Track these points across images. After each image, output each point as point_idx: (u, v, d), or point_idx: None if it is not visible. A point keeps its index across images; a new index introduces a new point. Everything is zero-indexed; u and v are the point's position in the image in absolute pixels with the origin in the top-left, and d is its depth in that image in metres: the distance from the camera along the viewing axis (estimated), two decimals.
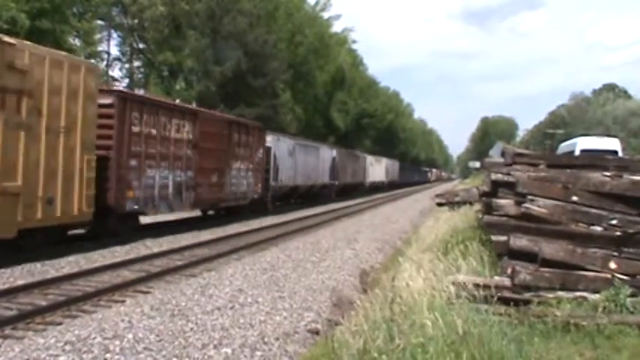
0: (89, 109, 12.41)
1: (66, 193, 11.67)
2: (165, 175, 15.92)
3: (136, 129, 14.43)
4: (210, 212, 21.21)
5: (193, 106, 24.24)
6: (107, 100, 13.48)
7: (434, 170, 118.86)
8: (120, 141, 13.86)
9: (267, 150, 24.36)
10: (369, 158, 49.62)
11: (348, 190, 41.39)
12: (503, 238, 7.24)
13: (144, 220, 16.24)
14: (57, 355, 5.91)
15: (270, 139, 24.92)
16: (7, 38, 10.60)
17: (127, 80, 40.49)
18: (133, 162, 14.40)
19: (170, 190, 16.17)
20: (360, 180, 45.24)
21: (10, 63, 10.26)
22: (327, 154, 35.53)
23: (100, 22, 36.01)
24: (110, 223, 13.89)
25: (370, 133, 65.79)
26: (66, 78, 11.60)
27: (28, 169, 10.67)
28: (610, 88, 71.99)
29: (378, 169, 52.42)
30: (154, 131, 15.24)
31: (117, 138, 13.77)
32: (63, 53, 13.02)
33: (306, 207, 28.77)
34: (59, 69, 11.48)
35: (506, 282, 6.60)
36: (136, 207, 14.69)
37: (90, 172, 12.40)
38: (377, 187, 51.75)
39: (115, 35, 39.27)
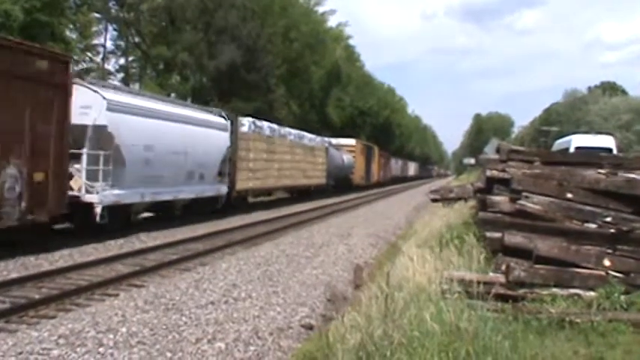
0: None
1: (371, 177, 49.08)
2: (383, 172, 57.00)
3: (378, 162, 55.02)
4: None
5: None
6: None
7: (435, 167, 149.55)
8: (381, 166, 56.36)
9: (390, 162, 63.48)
10: (409, 162, 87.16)
11: (403, 179, 75.27)
12: (498, 234, 7.26)
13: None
14: (50, 349, 5.88)
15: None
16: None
17: (121, 74, 40.27)
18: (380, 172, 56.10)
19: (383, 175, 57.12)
20: (406, 174, 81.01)
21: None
22: (400, 161, 73.34)
23: (95, 15, 35.75)
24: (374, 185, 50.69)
25: (366, 128, 65.98)
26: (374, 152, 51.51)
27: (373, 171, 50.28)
28: (608, 86, 71.90)
29: (412, 168, 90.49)
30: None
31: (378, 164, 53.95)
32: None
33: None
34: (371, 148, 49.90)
35: (501, 278, 6.62)
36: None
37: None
38: (409, 178, 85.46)
39: (110, 28, 39.04)
